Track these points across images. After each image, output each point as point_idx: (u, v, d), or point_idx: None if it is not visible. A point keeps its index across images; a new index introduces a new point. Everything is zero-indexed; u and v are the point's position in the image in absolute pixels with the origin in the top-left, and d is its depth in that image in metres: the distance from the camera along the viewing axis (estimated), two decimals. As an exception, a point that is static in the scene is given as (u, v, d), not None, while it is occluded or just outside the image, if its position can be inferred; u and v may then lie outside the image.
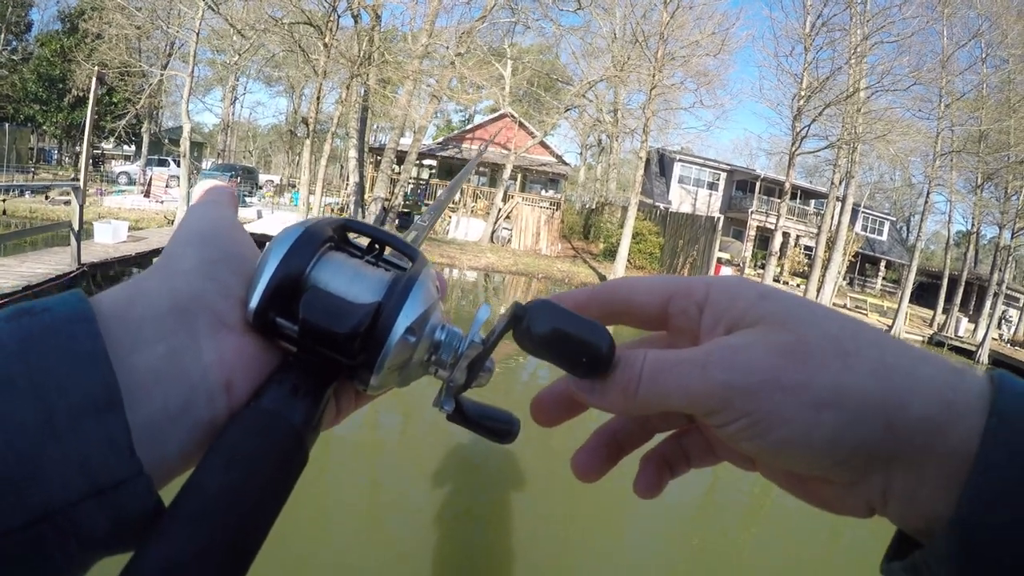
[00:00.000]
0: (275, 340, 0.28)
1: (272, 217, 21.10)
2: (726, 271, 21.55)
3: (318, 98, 17.92)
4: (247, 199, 24.19)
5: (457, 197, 24.09)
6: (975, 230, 29.03)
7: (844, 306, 24.12)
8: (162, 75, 21.20)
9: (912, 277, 23.10)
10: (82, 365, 0.22)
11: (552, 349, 0.27)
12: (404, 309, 0.27)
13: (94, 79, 11.06)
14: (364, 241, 0.33)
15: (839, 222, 21.44)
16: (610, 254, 19.81)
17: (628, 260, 20.13)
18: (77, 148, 27.12)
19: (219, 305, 0.27)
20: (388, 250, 0.33)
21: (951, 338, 24.66)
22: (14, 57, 24.56)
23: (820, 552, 5.00)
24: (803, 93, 19.68)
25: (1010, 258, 25.20)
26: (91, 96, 10.88)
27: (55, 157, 28.55)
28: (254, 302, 0.27)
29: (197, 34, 18.04)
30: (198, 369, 0.25)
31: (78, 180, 10.08)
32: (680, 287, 0.29)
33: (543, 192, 24.20)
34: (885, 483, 0.24)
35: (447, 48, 21.75)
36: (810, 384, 0.24)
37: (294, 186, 27.34)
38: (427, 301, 0.28)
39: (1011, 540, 0.21)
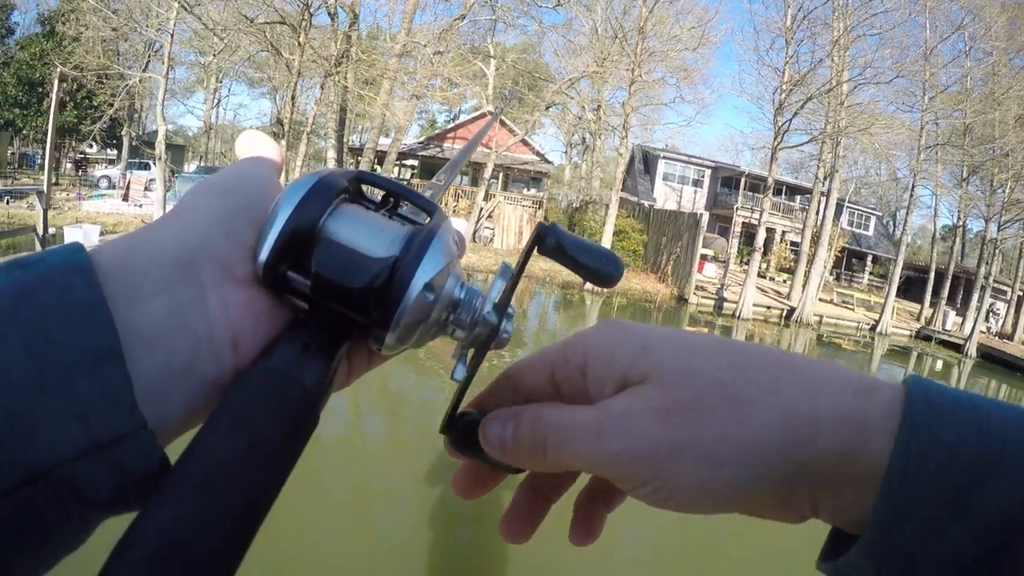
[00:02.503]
0: (285, 295, 0.26)
1: None
2: (710, 268, 21.36)
3: (292, 97, 17.60)
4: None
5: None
6: (961, 224, 29.00)
7: (831, 301, 24.00)
8: (139, 78, 20.89)
9: (898, 272, 23.07)
10: (77, 316, 0.21)
11: (579, 254, 0.28)
12: (422, 264, 0.26)
13: (56, 81, 10.77)
14: (379, 195, 0.31)
15: (824, 217, 21.36)
16: (594, 252, 19.63)
17: (611, 258, 19.96)
18: (58, 153, 26.75)
19: (229, 256, 0.25)
20: (405, 205, 0.32)
21: (939, 332, 24.62)
22: (-7, 62, 24.18)
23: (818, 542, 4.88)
24: (784, 87, 19.45)
25: (996, 251, 25.22)
26: (54, 97, 10.60)
27: (37, 162, 28.14)
28: (264, 254, 0.25)
29: (171, 35, 17.72)
30: (203, 324, 0.24)
31: (44, 185, 9.92)
32: (558, 356, 0.29)
33: (525, 191, 23.98)
34: (811, 503, 0.24)
35: (426, 47, 21.60)
36: (701, 443, 0.24)
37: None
38: (446, 256, 0.27)
39: (921, 547, 0.22)
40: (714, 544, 5.03)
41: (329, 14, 18.38)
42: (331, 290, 0.25)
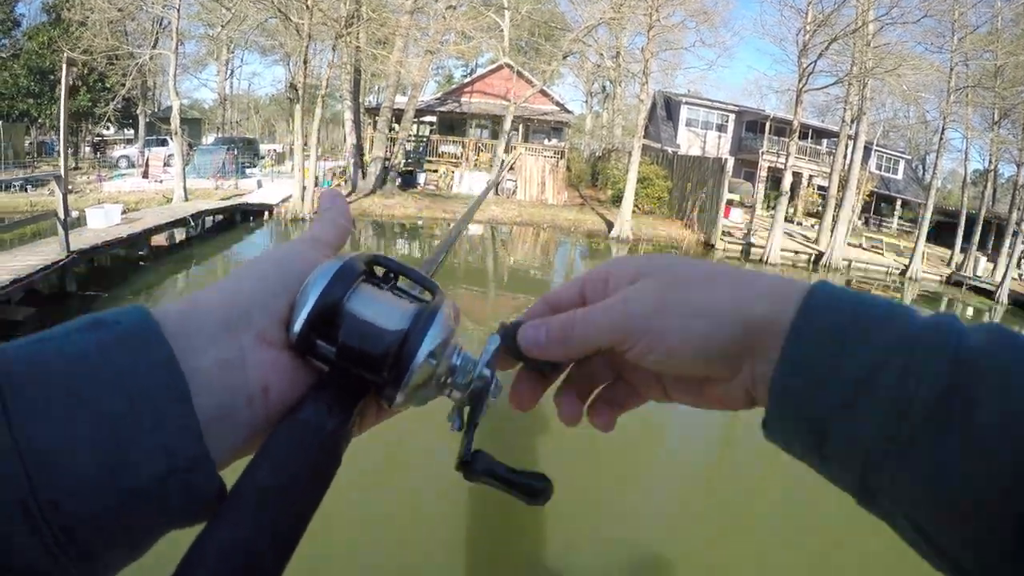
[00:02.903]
0: (309, 358, 0.32)
1: (272, 186, 20.90)
2: (736, 213, 21.03)
3: (304, 62, 17.36)
4: (247, 170, 23.92)
5: (460, 151, 23.64)
6: (992, 168, 28.10)
7: (859, 246, 23.50)
8: (149, 55, 20.78)
9: (928, 216, 22.43)
10: (156, 366, 0.26)
11: (508, 475, 0.34)
12: (427, 337, 0.31)
13: (64, 66, 10.70)
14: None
15: (852, 161, 20.74)
16: (618, 200, 19.37)
17: (636, 205, 19.68)
18: (76, 138, 26.93)
19: (264, 324, 0.31)
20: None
21: (970, 278, 24.03)
22: (3, 55, 24.13)
23: (837, 505, 4.79)
24: (808, 27, 18.62)
25: None
26: (63, 83, 10.56)
27: (56, 149, 28.30)
28: (297, 327, 0.31)
29: (178, 10, 17.52)
30: (242, 379, 0.29)
31: (69, 169, 9.89)
32: (587, 276, 0.38)
33: (546, 142, 23.65)
34: (752, 371, 0.32)
35: (437, 1, 21.15)
36: (684, 302, 0.32)
37: (306, 154, 27.04)
38: (446, 330, 0.33)
39: (807, 398, 0.29)
40: (738, 503, 5.07)
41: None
42: (354, 356, 0.31)
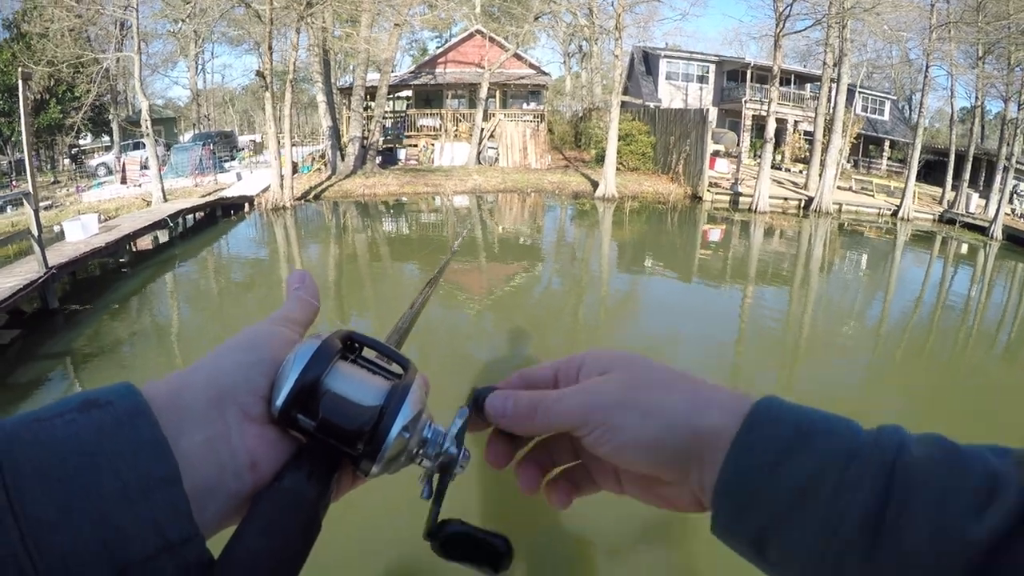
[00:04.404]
0: (289, 431, 0.34)
1: (252, 177, 20.44)
2: (722, 163, 20.71)
3: (269, 48, 16.81)
4: (226, 164, 23.45)
5: (438, 124, 23.18)
6: (979, 104, 27.71)
7: (849, 189, 23.25)
8: (114, 59, 20.21)
9: (917, 155, 22.06)
10: (147, 450, 0.28)
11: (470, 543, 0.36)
12: (401, 412, 0.34)
13: (20, 82, 10.21)
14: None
15: (836, 104, 20.38)
16: (602, 160, 19.03)
17: (620, 163, 19.34)
18: (52, 152, 26.35)
19: (247, 401, 0.33)
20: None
21: (962, 215, 23.83)
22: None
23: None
24: None
25: (1018, 132, 24.19)
26: (21, 98, 10.10)
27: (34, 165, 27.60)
28: (279, 402, 0.33)
29: (136, 10, 16.91)
30: (229, 453, 0.31)
31: (48, 183, 9.51)
32: (562, 362, 0.40)
33: (525, 106, 23.21)
34: (699, 477, 0.33)
35: None
36: (642, 402, 0.35)
37: (281, 142, 26.52)
38: (417, 405, 0.35)
39: (746, 508, 0.31)
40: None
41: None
42: (332, 430, 0.33)
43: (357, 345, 0.38)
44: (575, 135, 23.78)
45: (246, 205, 16.89)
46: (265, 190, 17.49)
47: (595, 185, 18.68)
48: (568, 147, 23.50)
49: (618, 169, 18.86)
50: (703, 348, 8.10)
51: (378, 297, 9.80)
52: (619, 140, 18.91)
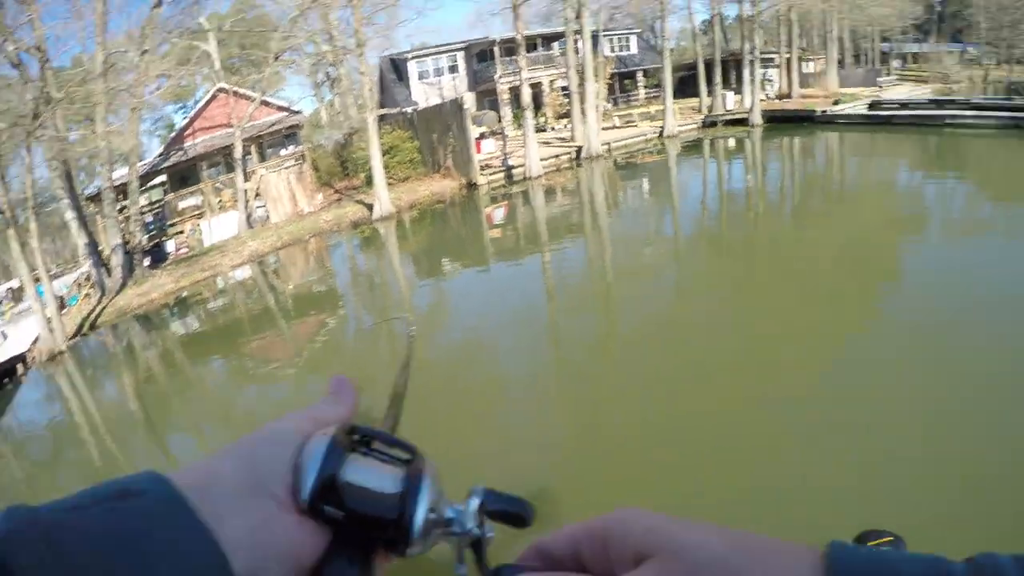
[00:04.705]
0: (319, 520, 0.35)
1: (18, 332, 17.66)
2: (488, 144, 20.89)
3: (3, 177, 14.56)
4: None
5: (200, 200, 21.58)
6: (717, 12, 30.07)
7: (614, 127, 24.36)
8: None
9: (669, 76, 23.53)
10: (193, 539, 0.28)
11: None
12: (422, 496, 0.35)
13: None
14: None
15: (584, 52, 21.20)
16: (372, 181, 18.49)
17: (390, 176, 18.94)
18: None
19: (278, 492, 0.33)
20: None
21: (721, 114, 25.85)
22: None
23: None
24: None
25: (756, 27, 26.46)
26: None
27: None
28: (305, 495, 0.34)
29: None
30: (271, 541, 0.31)
31: None
32: (582, 533, 0.34)
33: (284, 152, 22.18)
34: None
35: (127, 52, 18.81)
36: None
37: (37, 279, 23.39)
38: (437, 487, 0.36)
39: None
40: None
41: (13, 64, 15.37)
42: (361, 519, 0.34)
43: (361, 436, 0.39)
44: (341, 164, 23.02)
45: (19, 366, 14.48)
46: (36, 341, 15.09)
47: (369, 208, 18.14)
48: (337, 178, 22.72)
49: (390, 183, 18.45)
50: (520, 321, 8.26)
51: (197, 410, 8.88)
52: (384, 155, 18.48)
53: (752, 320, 6.89)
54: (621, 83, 30.58)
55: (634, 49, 31.53)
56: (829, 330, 6.21)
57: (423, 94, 25.81)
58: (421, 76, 26.35)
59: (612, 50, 30.23)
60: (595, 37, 25.84)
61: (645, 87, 31.09)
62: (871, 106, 24.70)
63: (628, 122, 25.49)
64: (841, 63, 40.68)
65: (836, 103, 25.66)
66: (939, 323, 5.80)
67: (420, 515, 0.34)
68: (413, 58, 26.36)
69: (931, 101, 25.13)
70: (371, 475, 0.35)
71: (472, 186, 18.59)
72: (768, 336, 6.30)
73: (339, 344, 9.78)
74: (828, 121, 23.81)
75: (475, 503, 0.38)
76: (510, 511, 0.38)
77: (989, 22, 44.81)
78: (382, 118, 19.99)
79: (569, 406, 5.83)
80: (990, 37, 45.97)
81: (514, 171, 18.88)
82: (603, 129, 22.46)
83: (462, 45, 26.88)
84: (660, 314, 7.76)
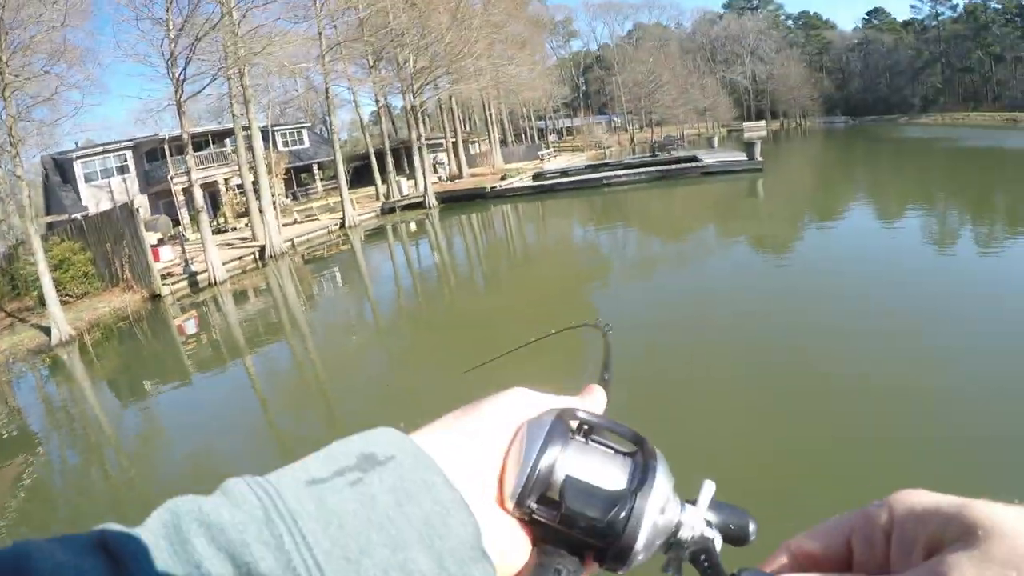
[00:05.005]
0: (526, 521, 0.31)
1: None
2: (166, 251, 20.97)
3: None
4: None
5: None
6: (383, 104, 33.80)
7: (295, 222, 26.26)
8: None
9: (342, 168, 25.96)
10: (451, 512, 0.26)
11: None
12: (652, 495, 0.30)
13: None
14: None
15: (255, 149, 22.27)
16: (44, 301, 17.55)
17: (66, 294, 18.15)
18: None
19: (493, 490, 0.31)
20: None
21: (399, 200, 29.23)
22: None
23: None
24: (171, 35, 18.53)
25: (421, 116, 30.29)
26: None
27: None
28: (515, 490, 0.30)
29: None
30: (490, 538, 0.28)
31: None
32: (859, 520, 0.28)
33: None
34: None
35: None
36: None
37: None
38: (667, 485, 0.31)
39: None
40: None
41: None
42: (578, 521, 0.30)
43: (580, 424, 0.34)
44: (10, 283, 20.41)
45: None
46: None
47: (45, 331, 17.44)
48: (7, 299, 20.11)
49: (67, 301, 17.81)
50: (241, 428, 8.29)
51: None
52: (55, 269, 17.68)
53: (468, 387, 8.93)
54: (298, 177, 32.86)
55: (307, 143, 34.11)
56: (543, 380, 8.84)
57: (93, 197, 24.69)
58: (88, 178, 25.15)
59: (285, 144, 32.30)
60: (266, 132, 26.93)
61: (322, 179, 33.77)
62: (535, 177, 30.43)
63: (309, 216, 26.79)
64: (504, 142, 48.66)
65: (504, 178, 30.54)
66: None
67: (649, 519, 0.29)
68: (78, 158, 24.96)
69: (588, 166, 32.81)
70: (595, 468, 0.31)
71: (156, 297, 18.54)
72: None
73: (48, 491, 8.73)
74: (499, 195, 28.43)
75: (707, 501, 0.32)
76: (732, 523, 0.32)
77: (628, 95, 58.61)
78: (50, 227, 18.97)
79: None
80: (631, 107, 60.01)
81: (198, 277, 19.38)
82: (284, 225, 23.88)
83: (131, 143, 26.37)
84: (380, 393, 8.36)
